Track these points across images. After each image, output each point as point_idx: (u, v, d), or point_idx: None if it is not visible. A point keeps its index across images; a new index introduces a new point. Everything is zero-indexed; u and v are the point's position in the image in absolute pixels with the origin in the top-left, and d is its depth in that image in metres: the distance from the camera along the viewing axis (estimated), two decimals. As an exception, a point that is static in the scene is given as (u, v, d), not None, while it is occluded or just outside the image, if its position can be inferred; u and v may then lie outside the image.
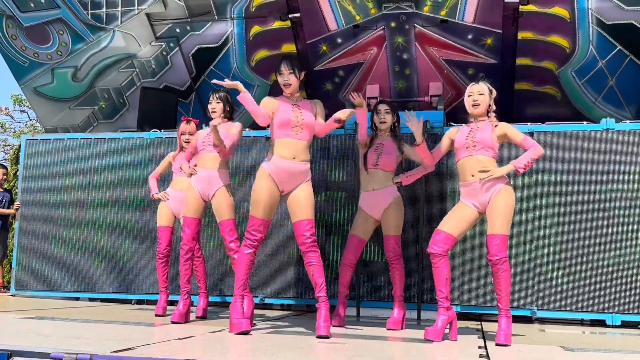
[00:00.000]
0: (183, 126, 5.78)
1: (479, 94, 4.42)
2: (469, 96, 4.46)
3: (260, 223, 4.37)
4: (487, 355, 3.56)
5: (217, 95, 5.19)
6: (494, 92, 4.51)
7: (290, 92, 4.50)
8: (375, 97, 7.90)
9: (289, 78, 4.46)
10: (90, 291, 7.05)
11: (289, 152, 4.35)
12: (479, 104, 4.41)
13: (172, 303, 6.27)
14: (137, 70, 8.32)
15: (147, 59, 8.21)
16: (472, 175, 4.29)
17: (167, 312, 5.62)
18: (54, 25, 7.96)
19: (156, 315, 5.52)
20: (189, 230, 5.03)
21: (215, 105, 5.15)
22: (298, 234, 4.33)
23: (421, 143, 4.60)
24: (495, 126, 4.40)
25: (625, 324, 5.77)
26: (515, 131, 4.41)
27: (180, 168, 5.41)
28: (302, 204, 4.33)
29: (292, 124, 4.37)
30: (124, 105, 8.64)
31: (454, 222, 4.31)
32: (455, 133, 4.54)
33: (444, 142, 4.65)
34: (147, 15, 7.84)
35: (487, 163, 4.30)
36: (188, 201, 5.07)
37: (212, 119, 5.00)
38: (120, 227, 7.02)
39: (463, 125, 4.57)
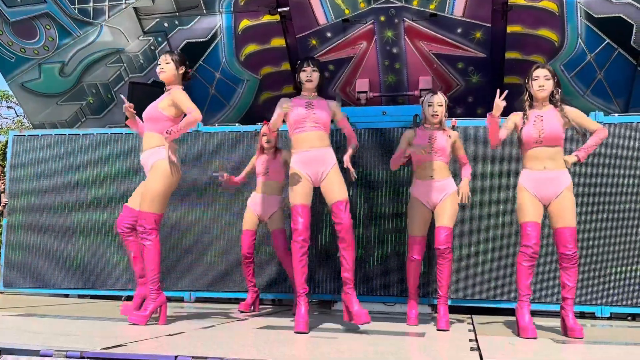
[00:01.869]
0: (264, 128, 5.77)
1: (438, 106, 4.85)
2: (429, 106, 4.86)
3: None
4: (479, 348, 3.58)
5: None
6: (447, 101, 4.97)
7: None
8: (365, 92, 7.90)
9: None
10: (80, 288, 7.00)
11: None
12: (438, 115, 4.83)
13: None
14: (125, 65, 8.26)
15: (135, 53, 8.15)
16: (431, 176, 4.79)
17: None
18: (40, 20, 7.88)
19: (239, 311, 5.64)
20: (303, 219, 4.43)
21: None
22: None
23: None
24: (449, 136, 4.88)
25: (614, 316, 5.82)
26: (460, 145, 4.99)
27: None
28: None
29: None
30: (112, 101, 8.58)
31: (423, 226, 4.84)
32: (412, 137, 4.89)
33: (402, 146, 4.91)
34: (135, 9, 7.78)
35: (443, 168, 4.84)
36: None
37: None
38: (110, 223, 6.97)
39: (417, 129, 4.96)
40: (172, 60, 4.61)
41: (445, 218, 4.73)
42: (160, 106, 4.53)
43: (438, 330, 4.62)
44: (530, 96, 4.54)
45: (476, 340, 4.00)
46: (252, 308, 5.78)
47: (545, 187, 4.38)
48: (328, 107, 4.62)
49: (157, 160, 4.42)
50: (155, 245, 4.39)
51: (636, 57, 7.30)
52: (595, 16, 7.12)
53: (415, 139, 4.87)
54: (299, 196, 4.37)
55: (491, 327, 4.94)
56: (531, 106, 4.55)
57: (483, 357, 3.22)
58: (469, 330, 4.60)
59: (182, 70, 4.64)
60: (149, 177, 4.45)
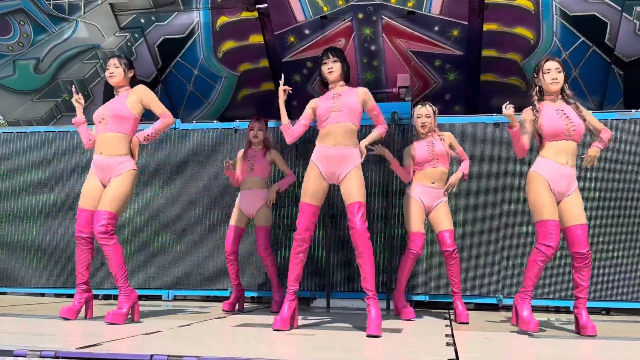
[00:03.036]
0: (252, 123, 5.70)
1: (426, 117, 5.16)
2: (417, 117, 5.18)
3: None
4: (454, 343, 3.61)
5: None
6: (436, 110, 5.28)
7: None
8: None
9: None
10: (56, 287, 6.92)
11: None
12: (426, 126, 5.16)
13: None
14: (101, 61, 8.17)
15: (111, 50, 8.07)
16: (433, 182, 5.12)
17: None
18: (14, 15, 7.76)
19: (223, 310, 5.51)
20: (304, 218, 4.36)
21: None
22: None
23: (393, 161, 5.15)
24: (442, 139, 5.19)
25: (589, 311, 5.88)
26: (456, 143, 5.27)
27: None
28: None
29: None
30: (88, 98, 8.48)
31: (422, 222, 5.11)
32: (413, 150, 5.19)
33: (407, 161, 5.19)
34: (111, 5, 7.70)
35: (444, 175, 5.17)
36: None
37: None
38: (86, 222, 6.90)
39: (414, 141, 5.23)
40: (121, 64, 4.65)
41: (446, 222, 5.10)
42: (128, 104, 4.53)
43: (459, 323, 4.89)
44: (540, 91, 4.40)
45: (452, 335, 4.03)
46: (237, 307, 5.67)
47: (562, 182, 4.23)
48: (357, 94, 4.33)
49: (130, 169, 4.49)
50: (118, 245, 4.43)
51: (610, 55, 7.41)
52: (570, 14, 7.20)
53: (415, 150, 5.17)
54: (306, 194, 4.23)
55: (469, 322, 4.97)
56: (541, 100, 4.40)
57: (458, 352, 3.25)
58: (446, 326, 4.64)
59: (130, 74, 4.70)
60: (120, 181, 4.44)
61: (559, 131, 4.26)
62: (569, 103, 4.40)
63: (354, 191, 4.16)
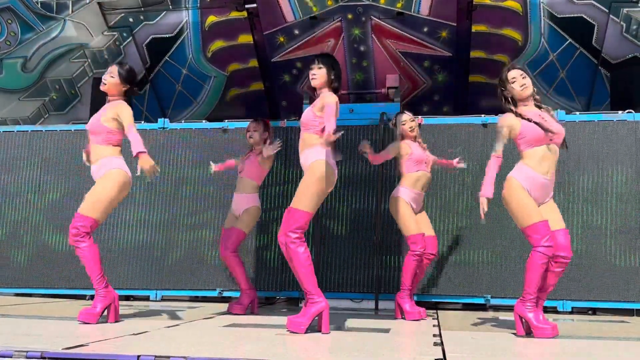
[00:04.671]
0: (249, 124, 5.65)
1: (411, 121, 5.40)
2: (403, 124, 5.37)
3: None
4: (442, 343, 3.62)
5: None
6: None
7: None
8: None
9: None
10: (43, 287, 6.87)
11: None
12: (415, 129, 5.39)
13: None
14: (89, 60, 8.14)
15: (99, 49, 8.04)
16: (422, 189, 5.31)
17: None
18: (2, 14, 7.71)
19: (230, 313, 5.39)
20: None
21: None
22: None
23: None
24: (425, 148, 5.48)
25: (576, 311, 5.95)
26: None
27: None
28: None
29: None
30: (75, 97, 8.44)
31: (417, 223, 5.23)
32: (409, 148, 5.32)
33: (389, 151, 5.45)
34: (99, 4, 7.67)
35: (430, 181, 5.46)
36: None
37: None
38: (74, 222, 6.86)
39: (409, 141, 5.34)
40: (118, 74, 4.53)
41: (431, 229, 5.39)
42: (103, 121, 4.47)
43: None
44: (511, 101, 4.28)
45: (440, 335, 4.05)
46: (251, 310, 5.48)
47: (540, 192, 4.15)
48: (316, 102, 4.17)
49: (110, 169, 4.40)
50: (91, 247, 4.31)
51: (597, 56, 7.47)
52: (558, 16, 7.26)
53: (411, 148, 5.31)
54: None
55: (457, 322, 5.00)
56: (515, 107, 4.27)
57: (446, 352, 3.26)
58: (434, 326, 4.66)
59: (125, 87, 4.56)
60: (98, 182, 4.39)
61: (541, 135, 4.16)
62: (540, 107, 4.32)
63: (296, 194, 4.08)
